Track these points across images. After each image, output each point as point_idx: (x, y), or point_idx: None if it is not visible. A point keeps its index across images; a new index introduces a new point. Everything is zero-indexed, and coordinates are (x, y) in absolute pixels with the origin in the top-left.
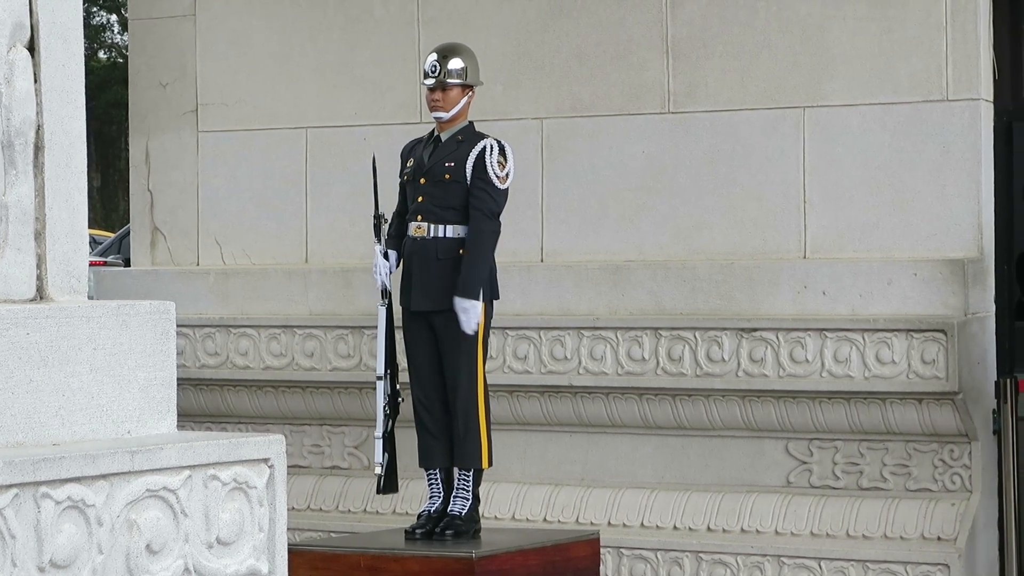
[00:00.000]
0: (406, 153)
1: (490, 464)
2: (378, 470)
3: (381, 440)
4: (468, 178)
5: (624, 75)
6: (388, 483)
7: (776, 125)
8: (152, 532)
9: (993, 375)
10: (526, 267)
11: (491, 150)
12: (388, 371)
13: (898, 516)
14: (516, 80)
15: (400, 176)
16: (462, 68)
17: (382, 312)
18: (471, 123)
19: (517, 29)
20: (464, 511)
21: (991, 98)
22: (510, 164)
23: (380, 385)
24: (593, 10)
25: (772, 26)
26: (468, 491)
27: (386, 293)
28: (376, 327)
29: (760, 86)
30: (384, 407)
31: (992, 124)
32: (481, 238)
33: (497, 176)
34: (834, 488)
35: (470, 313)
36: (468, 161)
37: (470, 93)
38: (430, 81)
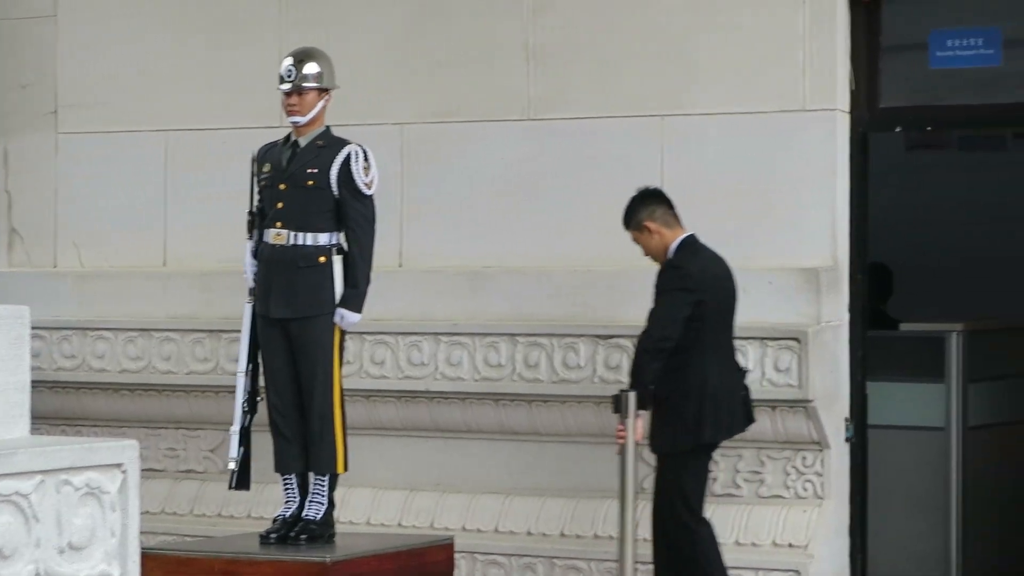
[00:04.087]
0: (261, 157)
1: (345, 469)
2: (232, 465)
3: (237, 435)
4: (333, 186)
5: (487, 81)
6: (241, 479)
7: (637, 133)
8: (2, 537)
9: (846, 383)
10: (385, 272)
11: (356, 157)
12: (250, 367)
13: (751, 523)
14: (379, 85)
15: (257, 181)
16: (318, 72)
17: (248, 309)
18: (328, 128)
19: (381, 34)
20: (319, 516)
21: (848, 109)
22: (374, 169)
23: (240, 381)
24: (457, 16)
25: (635, 34)
26: (323, 496)
27: (254, 291)
28: (238, 330)
29: (622, 94)
30: (243, 403)
31: (848, 134)
32: (366, 251)
33: (364, 183)
34: None
35: (352, 323)
36: (332, 168)
37: (326, 97)
38: (286, 86)
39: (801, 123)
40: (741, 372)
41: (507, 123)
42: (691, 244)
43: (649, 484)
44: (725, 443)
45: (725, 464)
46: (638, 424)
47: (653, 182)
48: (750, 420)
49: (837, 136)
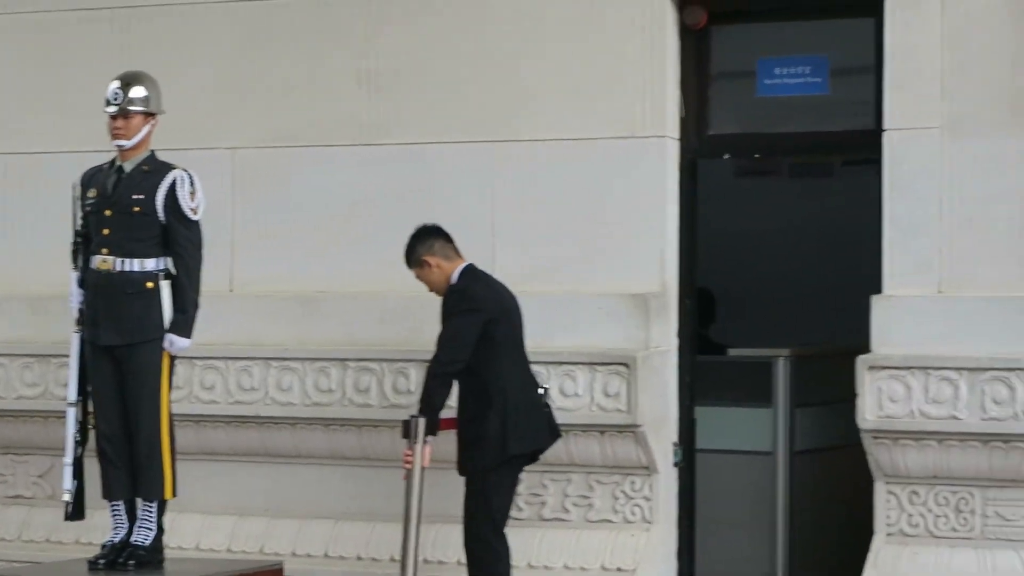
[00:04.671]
0: (85, 182)
1: (174, 495)
2: (67, 497)
3: (71, 467)
4: (159, 212)
5: (320, 107)
6: (76, 510)
7: (469, 159)
8: None
9: (674, 408)
10: (215, 297)
11: (182, 182)
12: (80, 398)
13: (580, 547)
14: (211, 110)
15: (81, 206)
16: (144, 96)
17: (75, 339)
18: (153, 152)
19: (213, 59)
20: (147, 541)
21: (677, 136)
22: (200, 194)
23: (71, 412)
24: (292, 42)
25: (467, 60)
26: (152, 521)
27: (81, 319)
28: (68, 354)
29: (454, 120)
30: (75, 434)
31: (678, 161)
32: (194, 277)
33: (190, 208)
34: (518, 519)
35: (181, 348)
36: (158, 194)
37: (153, 121)
38: (112, 109)
39: (631, 150)
40: (541, 388)
41: (339, 148)
42: (472, 271)
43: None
44: (554, 467)
45: (554, 488)
46: (426, 450)
47: (486, 207)
48: (556, 435)
49: (667, 163)
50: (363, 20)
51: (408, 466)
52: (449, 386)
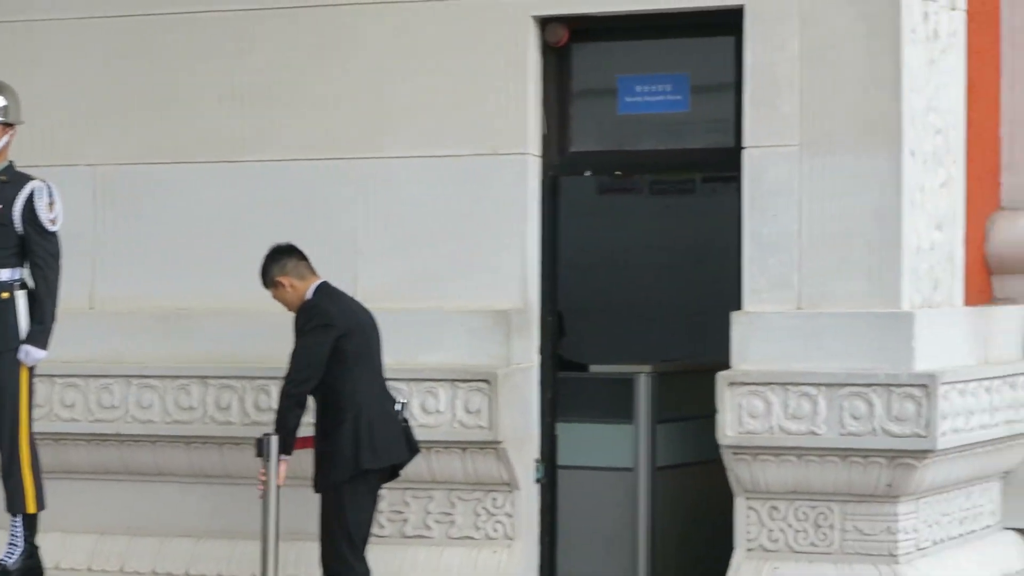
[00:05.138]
0: None
1: (39, 508)
2: None
3: None
4: (16, 222)
5: (187, 122)
6: None
7: (335, 175)
8: None
9: (536, 424)
10: (76, 314)
11: (40, 193)
12: None
13: (442, 563)
14: (74, 126)
15: None
16: (3, 106)
17: None
18: (11, 163)
19: (78, 74)
20: (10, 559)
21: (539, 153)
22: (59, 206)
23: None
24: (158, 57)
25: (334, 78)
26: (18, 538)
27: None
28: None
29: (321, 136)
30: None
31: (540, 178)
32: (52, 287)
33: (48, 220)
34: (380, 536)
35: (37, 359)
36: (16, 204)
37: (11, 132)
38: None
39: (493, 167)
40: (398, 404)
41: (204, 165)
42: (325, 288)
43: (301, 525)
44: (416, 484)
45: (416, 505)
46: (281, 468)
47: (351, 224)
48: (414, 450)
49: (528, 180)
50: (231, 37)
51: (262, 486)
52: (303, 405)
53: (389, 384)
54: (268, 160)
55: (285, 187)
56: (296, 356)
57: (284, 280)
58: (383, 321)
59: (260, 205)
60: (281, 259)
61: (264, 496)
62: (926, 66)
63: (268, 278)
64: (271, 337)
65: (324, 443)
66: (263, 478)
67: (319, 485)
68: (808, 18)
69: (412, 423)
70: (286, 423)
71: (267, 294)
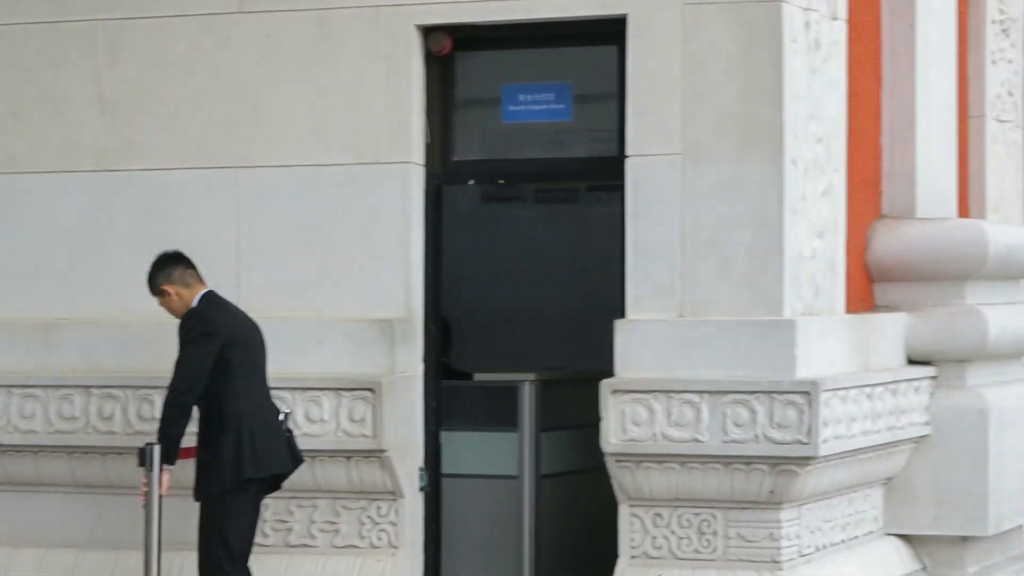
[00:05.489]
0: None
1: None
2: None
3: None
4: None
5: (59, 132)
6: None
7: (211, 185)
8: None
9: (420, 433)
10: None
11: None
12: None
13: (326, 572)
14: None
15: None
16: None
17: None
18: None
19: None
20: None
21: (422, 162)
22: None
23: None
24: (27, 66)
25: (209, 86)
26: None
27: None
28: None
29: (196, 145)
30: None
31: (423, 187)
32: None
33: None
34: (264, 546)
35: None
36: None
37: None
38: None
39: (376, 176)
40: (282, 414)
41: (78, 174)
42: (211, 297)
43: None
44: (301, 493)
45: (300, 514)
46: (164, 477)
47: (229, 233)
48: (297, 461)
49: (412, 189)
50: (101, 45)
51: (145, 496)
52: (188, 415)
53: (273, 394)
54: (142, 169)
55: (157, 197)
56: (180, 365)
57: (170, 288)
58: (266, 330)
59: (137, 215)
60: (167, 267)
61: (147, 506)
62: (807, 75)
63: (154, 286)
64: (152, 346)
65: (206, 452)
66: (145, 488)
67: (199, 494)
68: (690, 27)
69: (296, 432)
70: (170, 433)
71: (146, 304)
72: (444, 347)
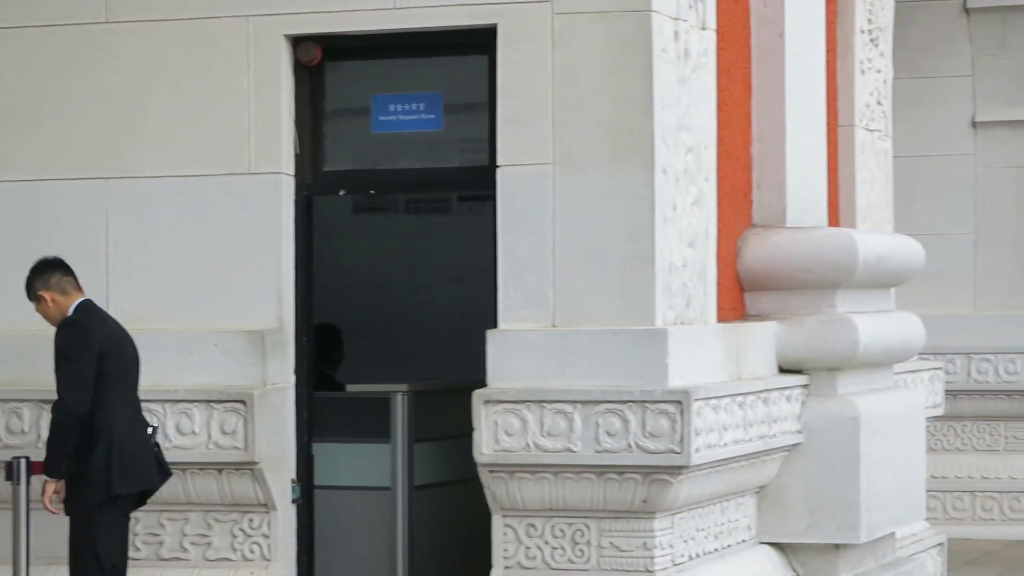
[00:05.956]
0: None
1: None
2: None
3: None
4: None
5: None
6: None
7: (82, 196)
8: None
9: (292, 445)
10: None
11: None
12: None
13: None
14: None
15: None
16: None
17: None
18: None
19: None
20: None
21: (292, 172)
22: None
23: None
24: None
25: (81, 96)
26: None
27: None
28: None
29: (68, 156)
30: None
31: (293, 197)
32: None
33: None
34: (136, 560)
35: None
36: None
37: None
38: None
39: (246, 186)
40: (150, 428)
41: None
42: (88, 306)
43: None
44: (172, 506)
45: (172, 527)
46: (48, 488)
47: (100, 244)
48: (165, 475)
49: (282, 199)
50: None
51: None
52: (77, 427)
53: (143, 407)
54: (12, 180)
55: (30, 208)
56: (67, 379)
57: (46, 294)
58: (138, 343)
59: (7, 225)
60: (45, 273)
61: (15, 520)
62: (677, 84)
63: (31, 291)
64: (23, 359)
65: (76, 466)
66: (49, 503)
67: (69, 508)
68: (560, 37)
69: (167, 445)
70: (62, 446)
71: (17, 315)
72: (338, 356)
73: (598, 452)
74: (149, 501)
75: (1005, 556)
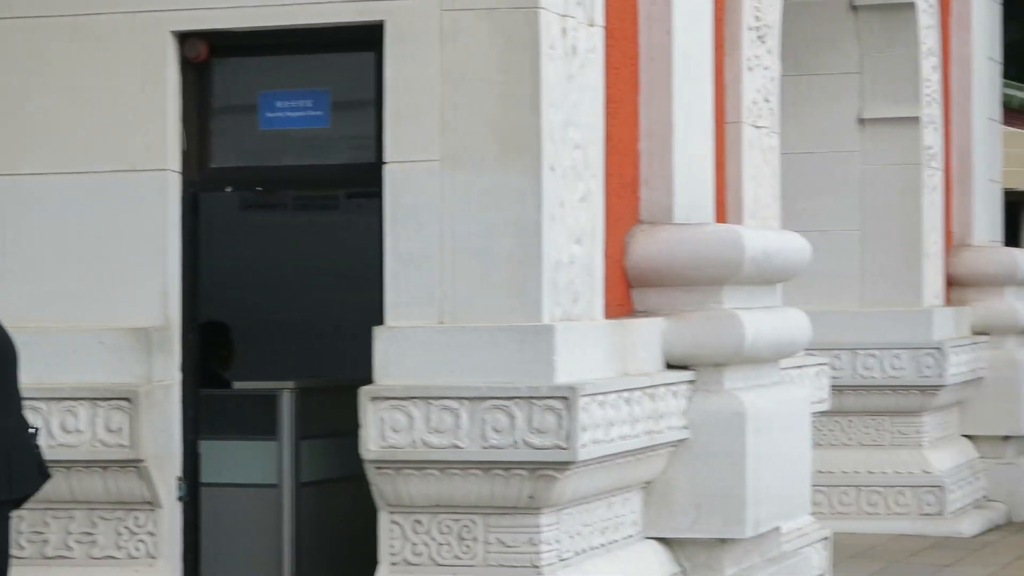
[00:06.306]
0: None
1: None
2: None
3: None
4: None
5: None
6: None
7: None
8: None
9: (178, 442)
10: None
11: None
12: None
13: None
14: None
15: None
16: None
17: None
18: None
19: None
20: None
21: (179, 169)
22: None
23: None
24: None
25: None
26: None
27: None
28: None
29: None
30: None
31: (180, 195)
32: None
33: None
34: (20, 558)
35: None
36: None
37: None
38: None
39: (132, 183)
40: (33, 429)
41: None
42: None
43: None
44: (56, 504)
45: (56, 526)
46: None
47: None
48: (45, 477)
49: (168, 196)
50: None
51: None
52: None
53: (27, 405)
54: None
55: None
56: None
57: None
58: (22, 341)
59: None
60: None
61: None
62: (565, 81)
63: None
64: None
65: None
66: None
67: None
68: (447, 34)
69: (52, 443)
70: None
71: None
72: (227, 354)
73: (484, 448)
74: (33, 499)
75: (890, 550)
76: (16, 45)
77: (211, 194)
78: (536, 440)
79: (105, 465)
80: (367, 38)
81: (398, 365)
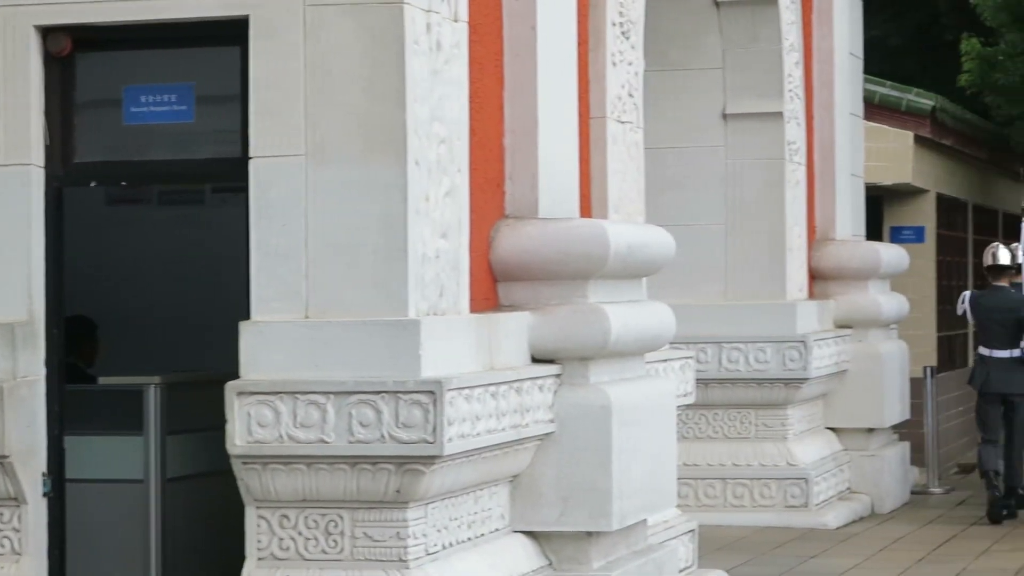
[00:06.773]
0: None
1: None
2: None
3: None
4: None
5: None
6: None
7: None
8: None
9: (44, 438)
10: None
11: None
12: None
13: None
14: None
15: None
16: None
17: None
18: None
19: None
20: None
21: (43, 163)
22: None
23: None
24: None
25: None
26: None
27: None
28: None
29: None
30: None
31: (44, 189)
32: None
33: None
34: None
35: None
36: None
37: None
38: None
39: None
40: None
41: None
42: None
43: None
44: None
45: None
46: None
47: None
48: None
49: (31, 191)
50: None
51: None
52: None
53: None
54: None
55: None
56: None
57: None
58: None
59: None
60: None
61: None
62: (430, 76)
63: None
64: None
65: None
66: None
67: None
68: (312, 29)
69: None
70: None
71: None
72: (92, 349)
73: (351, 443)
74: None
75: (755, 542)
76: None
77: (75, 189)
78: (403, 434)
79: None
80: (232, 33)
81: (264, 360)
